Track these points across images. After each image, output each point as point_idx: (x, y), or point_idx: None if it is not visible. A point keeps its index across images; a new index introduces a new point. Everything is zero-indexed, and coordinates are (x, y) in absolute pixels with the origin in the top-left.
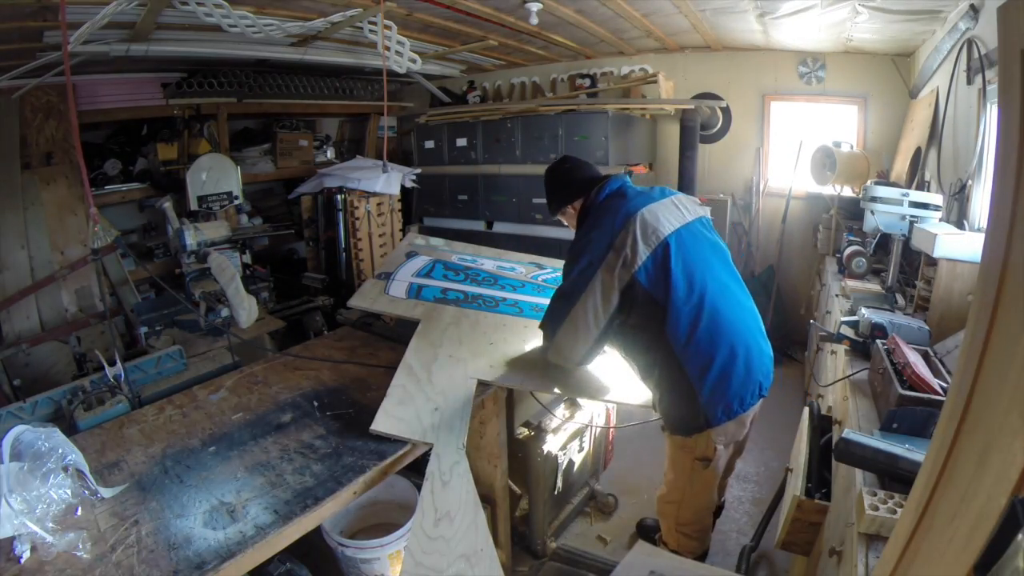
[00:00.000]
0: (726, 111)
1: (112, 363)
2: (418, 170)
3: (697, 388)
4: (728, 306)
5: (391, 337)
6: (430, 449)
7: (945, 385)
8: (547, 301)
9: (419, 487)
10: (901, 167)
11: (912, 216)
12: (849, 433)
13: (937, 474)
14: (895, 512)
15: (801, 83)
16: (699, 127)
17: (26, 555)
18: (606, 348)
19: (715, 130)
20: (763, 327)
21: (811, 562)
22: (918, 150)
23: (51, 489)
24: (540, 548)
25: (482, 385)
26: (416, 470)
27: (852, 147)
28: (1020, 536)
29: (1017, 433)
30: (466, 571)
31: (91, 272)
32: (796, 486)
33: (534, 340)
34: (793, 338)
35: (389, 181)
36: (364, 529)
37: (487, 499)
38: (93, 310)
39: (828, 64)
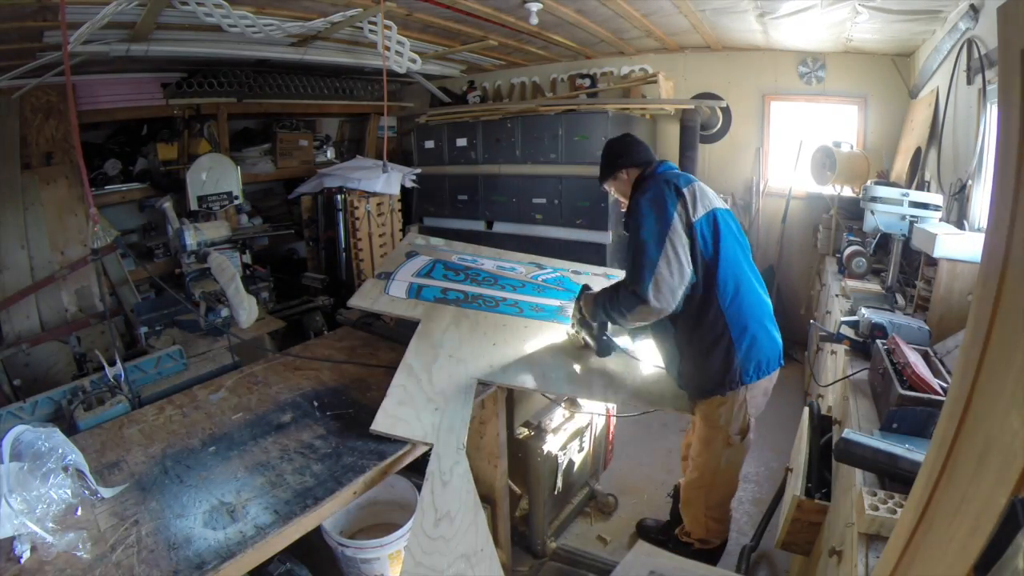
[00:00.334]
0: (726, 111)
1: (112, 363)
2: (418, 170)
3: (736, 345)
4: (755, 287)
5: (391, 337)
6: (430, 449)
7: (945, 385)
8: (547, 301)
9: (419, 487)
10: (901, 167)
11: (912, 216)
12: (849, 433)
13: (937, 474)
14: (895, 512)
15: (801, 83)
16: (699, 127)
17: (26, 555)
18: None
19: (715, 130)
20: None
21: (811, 562)
22: (918, 150)
23: (51, 489)
24: (540, 548)
25: (482, 385)
26: (416, 470)
27: (852, 147)
28: (1020, 536)
29: (1017, 433)
30: (466, 571)
31: (91, 272)
32: (796, 486)
33: (534, 340)
34: (793, 338)
35: (389, 181)
36: (364, 529)
37: (487, 499)
38: (93, 310)
39: (828, 64)
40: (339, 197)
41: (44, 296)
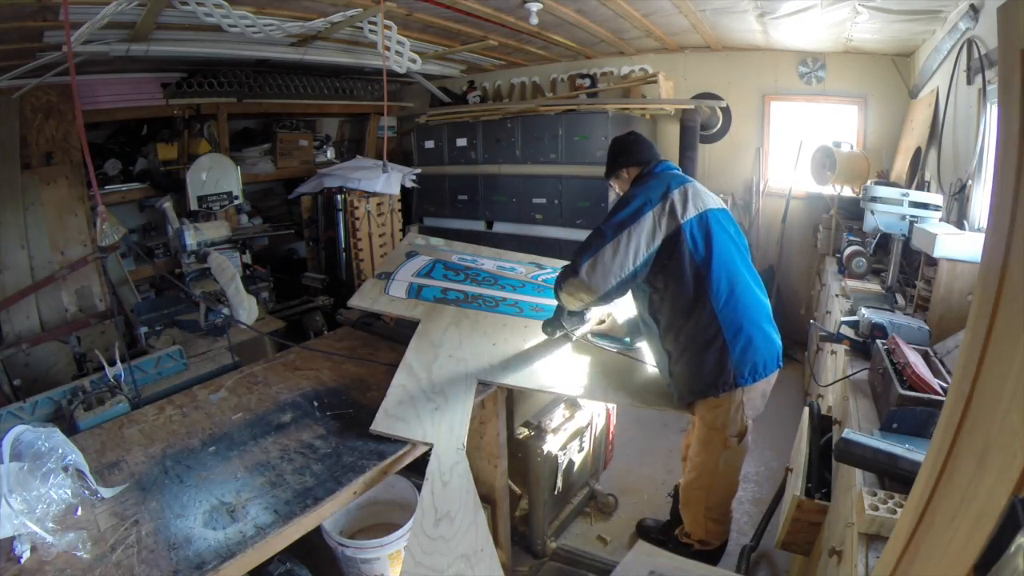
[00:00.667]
0: (726, 111)
1: (112, 363)
2: (418, 170)
3: (730, 347)
4: (753, 290)
5: (391, 337)
6: (430, 449)
7: (945, 385)
8: (547, 301)
9: (419, 487)
10: (901, 167)
11: (912, 216)
12: (849, 433)
13: (937, 474)
14: (895, 512)
15: (801, 83)
16: (699, 127)
17: (26, 555)
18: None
19: (715, 130)
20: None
21: (811, 562)
22: (918, 150)
23: (51, 489)
24: (540, 548)
25: (482, 385)
26: (416, 470)
27: (852, 147)
28: (1020, 536)
29: (1017, 433)
30: (466, 571)
31: (91, 272)
32: (796, 486)
33: (534, 340)
34: (793, 338)
35: (389, 181)
36: (364, 529)
37: (487, 499)
38: (93, 310)
39: (828, 64)
40: (339, 197)
41: (44, 296)
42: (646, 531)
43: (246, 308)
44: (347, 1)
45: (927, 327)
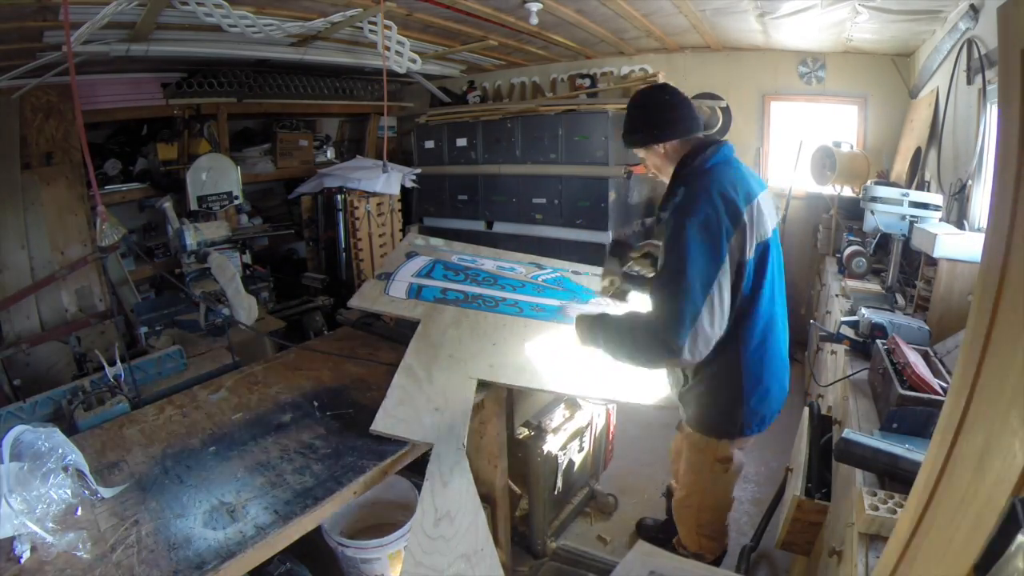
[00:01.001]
0: (726, 111)
1: (112, 363)
2: (418, 170)
3: (747, 397)
4: (781, 329)
5: (391, 337)
6: (430, 449)
7: (945, 385)
8: (547, 301)
9: (419, 487)
10: (901, 167)
11: (912, 216)
12: (849, 433)
13: (937, 474)
14: (895, 512)
15: (801, 83)
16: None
17: (26, 555)
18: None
19: (715, 130)
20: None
21: (811, 562)
22: (918, 150)
23: (51, 489)
24: (540, 548)
25: (482, 385)
26: (416, 470)
27: (852, 147)
28: (1020, 536)
29: (1017, 433)
30: (466, 571)
31: (91, 272)
32: (796, 486)
33: (534, 340)
34: (793, 338)
35: (389, 181)
36: (364, 529)
37: (487, 499)
38: (93, 310)
39: (828, 64)
40: (339, 197)
41: (44, 296)
42: (646, 531)
43: (246, 308)
44: (347, 1)
45: (927, 327)
